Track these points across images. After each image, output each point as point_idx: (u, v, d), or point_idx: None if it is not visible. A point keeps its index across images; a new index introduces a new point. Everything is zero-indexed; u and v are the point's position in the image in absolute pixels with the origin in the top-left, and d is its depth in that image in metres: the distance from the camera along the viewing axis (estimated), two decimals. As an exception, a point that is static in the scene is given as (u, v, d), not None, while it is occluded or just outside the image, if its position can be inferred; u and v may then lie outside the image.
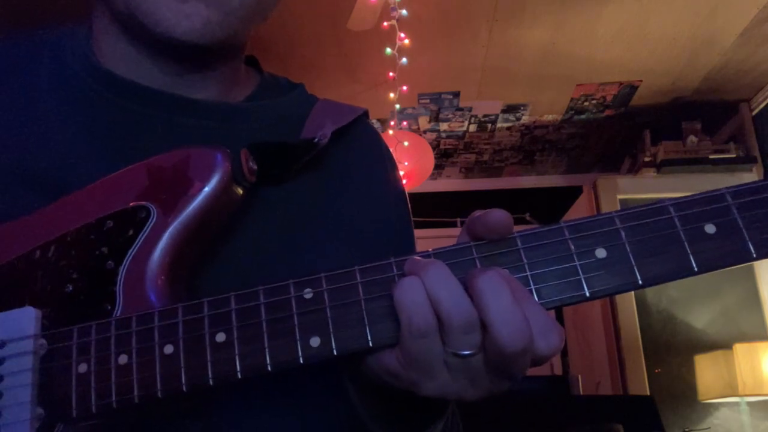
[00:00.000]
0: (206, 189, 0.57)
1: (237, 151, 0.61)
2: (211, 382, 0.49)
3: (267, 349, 0.49)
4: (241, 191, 0.60)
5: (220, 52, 0.68)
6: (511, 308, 0.44)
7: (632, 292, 3.39)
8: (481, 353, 0.46)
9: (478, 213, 0.49)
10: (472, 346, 0.46)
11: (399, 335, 0.47)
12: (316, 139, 0.66)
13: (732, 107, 3.95)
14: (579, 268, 0.48)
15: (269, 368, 0.48)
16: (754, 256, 0.46)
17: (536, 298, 0.48)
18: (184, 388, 0.49)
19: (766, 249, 0.46)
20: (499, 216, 0.48)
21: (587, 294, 0.48)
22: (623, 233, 0.48)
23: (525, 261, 0.49)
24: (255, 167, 0.62)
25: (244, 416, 0.59)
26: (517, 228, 0.50)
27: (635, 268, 0.48)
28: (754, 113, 3.89)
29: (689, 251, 0.47)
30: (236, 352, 0.49)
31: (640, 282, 0.47)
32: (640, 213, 0.49)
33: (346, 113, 0.75)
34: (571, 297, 0.48)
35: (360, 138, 0.77)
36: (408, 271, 0.48)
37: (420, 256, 0.49)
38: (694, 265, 0.47)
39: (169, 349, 0.50)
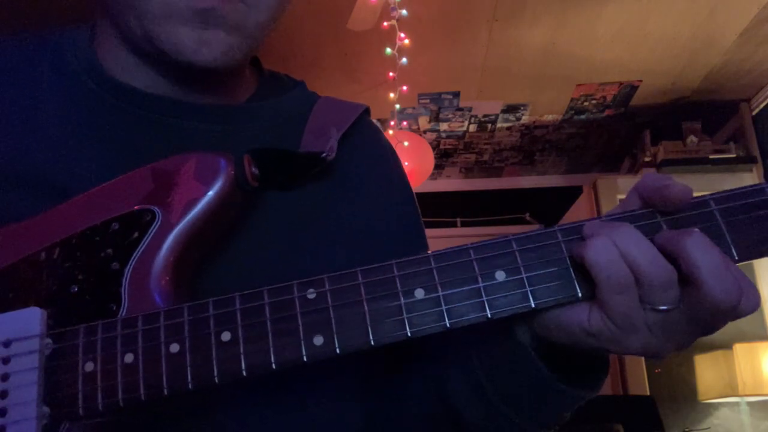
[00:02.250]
0: (210, 193, 0.57)
1: (240, 152, 0.62)
2: (216, 380, 0.50)
3: (271, 348, 0.50)
4: (244, 195, 0.61)
5: (233, 69, 0.68)
6: (723, 266, 0.46)
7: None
8: (679, 308, 0.48)
9: (659, 183, 0.51)
10: (672, 302, 0.47)
11: (596, 294, 0.48)
12: (324, 154, 0.67)
13: (732, 107, 3.94)
14: (572, 270, 0.50)
15: (274, 366, 0.49)
16: (737, 258, 0.49)
17: (532, 299, 0.50)
18: (190, 386, 0.50)
19: (746, 251, 0.49)
20: (682, 190, 0.51)
21: (579, 295, 0.50)
22: None
23: (521, 263, 0.50)
24: (257, 172, 0.63)
25: (250, 414, 0.60)
26: (517, 228, 0.51)
27: None
28: (754, 113, 3.88)
29: None
30: (241, 350, 0.50)
31: None
32: (630, 218, 0.51)
33: (348, 112, 0.75)
34: (566, 297, 0.50)
35: (362, 137, 0.77)
36: (592, 234, 0.49)
37: (417, 258, 0.51)
38: None
39: (174, 347, 0.51)
